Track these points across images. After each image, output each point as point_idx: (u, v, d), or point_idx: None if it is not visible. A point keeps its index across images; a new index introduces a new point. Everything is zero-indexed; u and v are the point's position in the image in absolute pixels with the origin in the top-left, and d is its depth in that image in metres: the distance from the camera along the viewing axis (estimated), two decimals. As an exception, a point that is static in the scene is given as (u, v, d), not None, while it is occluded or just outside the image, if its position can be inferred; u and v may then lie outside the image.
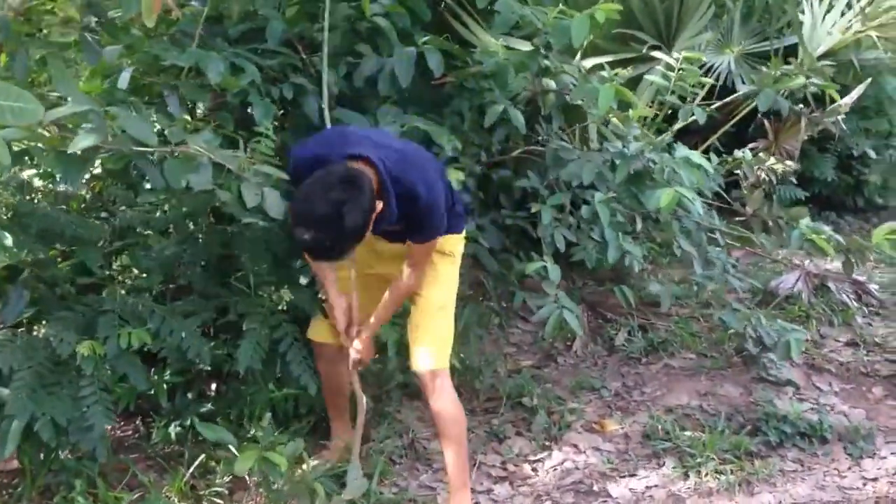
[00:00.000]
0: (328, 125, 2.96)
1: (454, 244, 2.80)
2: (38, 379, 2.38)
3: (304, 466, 2.93)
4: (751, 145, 5.07)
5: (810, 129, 5.02)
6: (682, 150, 3.36)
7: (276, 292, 3.09)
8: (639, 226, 3.45)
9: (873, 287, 4.63)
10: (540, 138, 3.77)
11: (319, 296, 2.94)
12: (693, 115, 3.59)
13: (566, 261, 4.79)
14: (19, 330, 2.63)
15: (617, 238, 3.29)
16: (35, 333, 2.45)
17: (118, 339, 2.46)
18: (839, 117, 4.80)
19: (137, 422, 3.34)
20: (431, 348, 2.70)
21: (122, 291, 2.63)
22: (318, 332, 2.92)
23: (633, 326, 4.38)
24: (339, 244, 2.29)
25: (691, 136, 4.65)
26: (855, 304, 4.51)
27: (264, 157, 2.47)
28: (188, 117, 2.90)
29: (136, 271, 2.80)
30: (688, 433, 3.31)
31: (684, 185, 3.28)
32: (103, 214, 3.14)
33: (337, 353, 2.88)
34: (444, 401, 2.73)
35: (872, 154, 6.43)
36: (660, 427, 3.34)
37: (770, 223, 3.30)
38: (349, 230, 2.25)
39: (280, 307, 3.04)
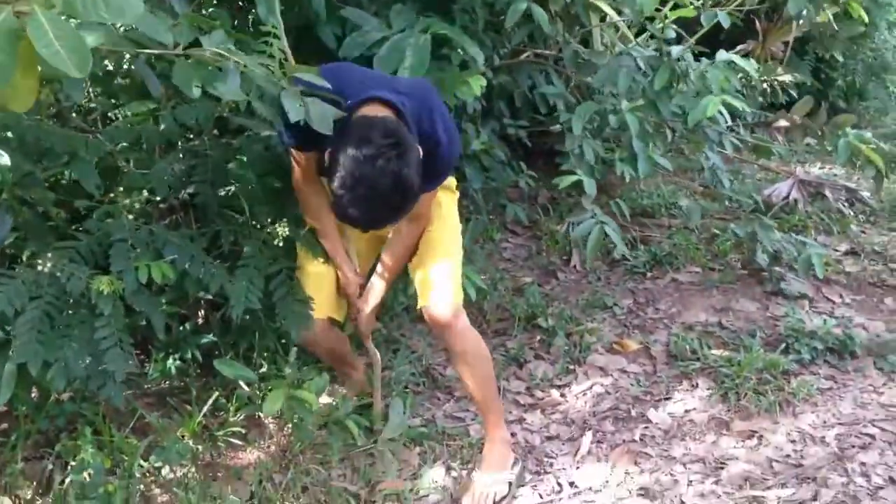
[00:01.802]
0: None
1: (452, 178, 2.59)
2: (47, 320, 2.05)
3: (333, 402, 2.70)
4: (739, 47, 4.88)
5: (800, 30, 4.85)
6: (722, 54, 3.12)
7: (271, 224, 2.77)
8: (668, 137, 3.24)
9: (865, 194, 4.57)
10: (552, 41, 3.50)
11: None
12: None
13: (550, 167, 4.61)
14: (16, 265, 2.27)
15: (647, 149, 3.07)
16: (40, 268, 2.10)
17: (136, 272, 2.13)
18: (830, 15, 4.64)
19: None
20: (446, 287, 2.45)
21: (129, 216, 2.28)
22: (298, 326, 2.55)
23: (629, 239, 4.23)
24: (403, 210, 2.06)
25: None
26: (849, 211, 4.44)
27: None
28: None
29: (136, 194, 2.43)
30: (714, 352, 3.19)
31: (713, 92, 3.06)
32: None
33: (326, 326, 2.58)
34: (469, 340, 2.50)
35: (840, 58, 6.34)
36: (687, 347, 3.21)
37: (819, 131, 3.11)
38: (412, 193, 2.02)
39: (276, 241, 2.72)
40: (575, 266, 4.09)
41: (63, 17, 1.15)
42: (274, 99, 2.21)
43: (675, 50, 3.04)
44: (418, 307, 2.52)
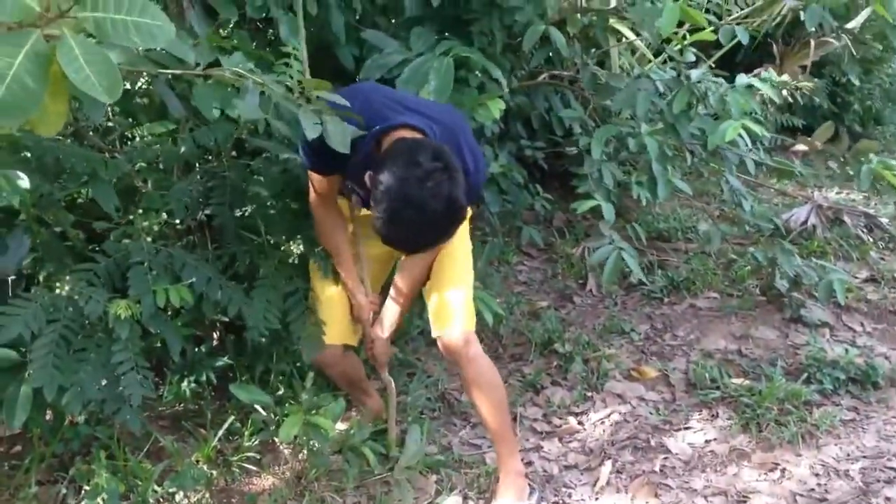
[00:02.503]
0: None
1: None
2: (63, 344, 2.03)
3: (349, 428, 2.67)
4: (756, 70, 4.85)
5: (817, 54, 4.83)
6: (742, 78, 3.10)
7: (286, 243, 2.74)
8: (689, 160, 3.21)
9: (884, 220, 4.52)
10: (570, 63, 3.48)
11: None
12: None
13: (565, 190, 4.58)
14: (33, 286, 2.25)
15: (666, 173, 3.04)
16: (58, 291, 2.08)
17: (154, 296, 2.11)
18: (848, 41, 4.62)
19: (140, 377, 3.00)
20: (459, 314, 2.42)
21: (148, 238, 2.26)
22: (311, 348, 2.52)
23: (646, 263, 4.19)
24: (450, 233, 2.02)
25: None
26: (868, 238, 4.40)
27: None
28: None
29: (154, 215, 2.41)
30: (735, 381, 3.15)
31: (734, 115, 3.03)
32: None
33: (340, 352, 2.57)
34: (480, 367, 2.45)
35: (857, 81, 6.30)
36: (706, 375, 3.17)
37: (841, 157, 3.08)
38: (460, 216, 1.99)
39: (291, 259, 2.71)
40: (591, 290, 4.05)
41: (93, 41, 1.13)
42: (293, 119, 2.22)
43: (695, 73, 3.01)
44: (432, 335, 2.49)
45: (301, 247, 2.65)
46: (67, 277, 2.10)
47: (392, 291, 2.52)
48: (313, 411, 2.45)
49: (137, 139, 2.75)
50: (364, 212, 2.41)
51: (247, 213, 2.67)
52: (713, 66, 3.43)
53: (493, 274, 3.98)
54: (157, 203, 2.48)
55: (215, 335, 2.98)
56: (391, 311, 2.53)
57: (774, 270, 3.67)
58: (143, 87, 2.94)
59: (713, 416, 2.99)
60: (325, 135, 1.83)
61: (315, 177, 2.32)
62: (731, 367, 3.28)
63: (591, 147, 2.95)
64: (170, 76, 2.30)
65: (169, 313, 2.42)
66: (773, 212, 4.62)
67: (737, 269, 4.14)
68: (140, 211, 2.33)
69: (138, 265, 2.17)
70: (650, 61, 3.80)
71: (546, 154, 4.11)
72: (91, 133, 2.87)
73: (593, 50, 3.73)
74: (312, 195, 2.38)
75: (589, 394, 3.15)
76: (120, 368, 2.07)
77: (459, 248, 2.53)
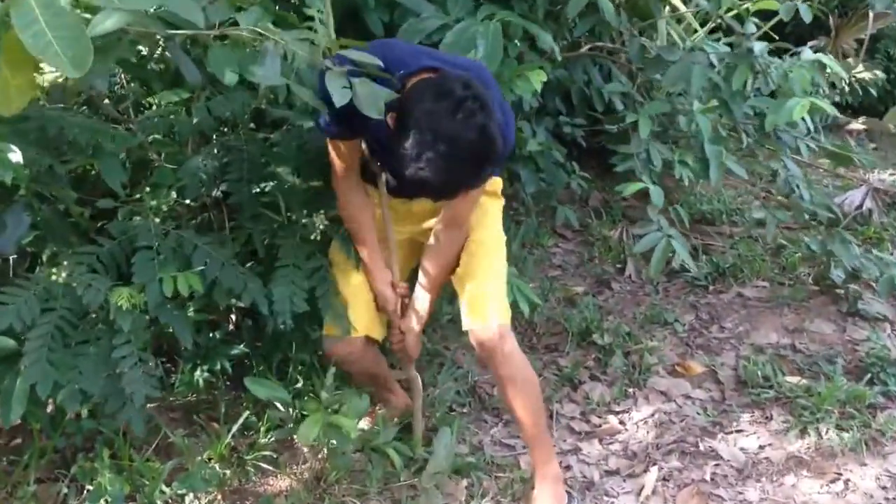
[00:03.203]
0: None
1: (498, 179, 2.35)
2: (59, 336, 1.83)
3: (373, 426, 2.47)
4: (810, 43, 4.55)
5: (875, 27, 4.52)
6: (808, 52, 2.83)
7: (308, 217, 2.51)
8: (744, 141, 2.95)
9: (943, 205, 4.24)
10: (616, 34, 3.22)
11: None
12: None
13: (602, 168, 4.33)
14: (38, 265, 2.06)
15: (720, 154, 2.79)
16: (54, 278, 1.88)
17: (160, 284, 1.91)
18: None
19: (152, 364, 2.81)
20: (492, 307, 2.21)
21: (156, 219, 2.05)
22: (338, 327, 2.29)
23: (689, 248, 3.93)
24: (484, 172, 1.83)
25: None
26: (930, 225, 4.12)
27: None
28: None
29: (165, 193, 2.20)
30: (789, 379, 2.91)
31: (796, 93, 2.77)
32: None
33: (361, 346, 2.33)
34: (515, 363, 2.25)
35: (910, 56, 5.96)
36: (758, 372, 2.93)
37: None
38: (496, 151, 1.79)
39: (313, 235, 2.48)
40: (630, 276, 3.81)
41: (64, 1, 0.91)
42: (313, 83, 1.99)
43: (758, 46, 2.75)
44: (463, 329, 2.28)
45: (323, 222, 2.42)
46: (65, 262, 1.89)
47: (421, 278, 2.31)
48: (334, 410, 2.26)
49: (154, 108, 2.53)
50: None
51: (266, 190, 2.45)
52: (774, 37, 3.13)
53: (527, 257, 3.75)
54: (170, 178, 2.27)
55: (231, 320, 2.78)
56: (422, 301, 2.32)
57: (829, 261, 3.41)
58: (160, 52, 2.73)
59: (767, 418, 2.76)
60: (354, 100, 1.61)
61: (336, 146, 2.11)
62: (784, 363, 3.04)
63: (639, 125, 2.69)
64: (186, 39, 2.09)
65: (179, 300, 2.23)
66: (826, 195, 4.34)
67: (787, 255, 3.88)
68: (148, 189, 2.11)
69: (145, 249, 1.97)
70: (695, 31, 3.52)
71: (585, 131, 3.85)
72: (106, 101, 2.67)
73: (637, 20, 3.47)
74: (336, 166, 2.16)
75: (630, 390, 2.92)
76: (122, 364, 1.88)
77: (491, 232, 2.32)
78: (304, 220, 2.42)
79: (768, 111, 2.77)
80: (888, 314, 3.37)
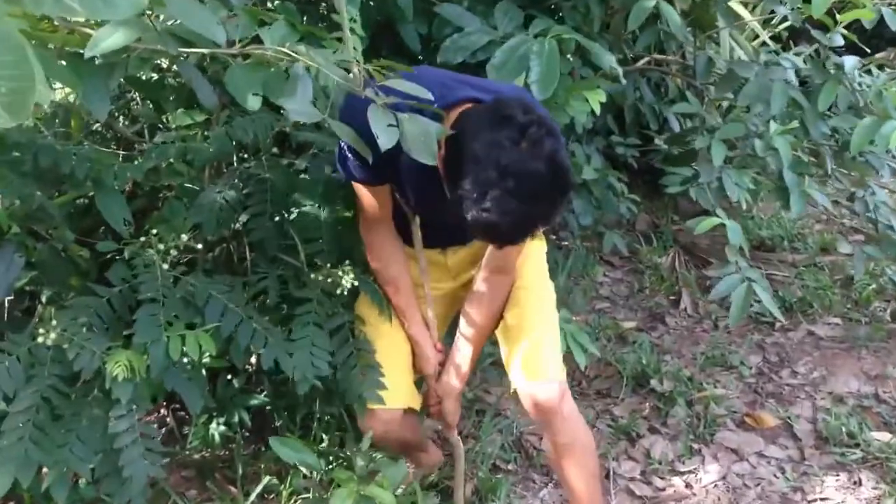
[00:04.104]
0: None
1: None
2: (47, 409, 1.55)
3: (408, 491, 2.17)
4: (879, 55, 4.20)
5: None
6: (902, 70, 2.51)
7: (333, 269, 2.16)
8: (829, 167, 2.62)
9: None
10: (677, 47, 2.91)
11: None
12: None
13: (649, 188, 4.01)
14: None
15: (802, 182, 2.47)
16: (40, 339, 1.59)
17: (167, 346, 1.62)
18: None
19: (163, 412, 2.54)
20: (549, 363, 1.92)
21: (164, 265, 1.77)
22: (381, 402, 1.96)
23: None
24: (560, 208, 1.52)
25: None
26: None
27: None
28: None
29: (173, 233, 1.91)
30: (876, 436, 2.58)
31: (890, 114, 2.44)
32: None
33: (399, 417, 1.99)
34: (576, 429, 1.96)
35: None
36: (842, 427, 2.60)
37: None
38: (570, 183, 1.51)
39: (339, 290, 2.12)
40: (686, 309, 3.50)
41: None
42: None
43: (848, 62, 2.43)
44: (512, 388, 1.98)
45: (351, 276, 2.08)
46: (54, 322, 1.61)
47: (463, 330, 2.01)
48: (367, 477, 1.96)
49: (167, 130, 2.25)
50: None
51: (289, 222, 2.16)
52: (866, 50, 2.79)
53: (573, 289, 3.44)
54: (181, 213, 1.99)
55: (251, 365, 2.50)
56: (463, 357, 2.01)
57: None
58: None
59: (854, 483, 2.43)
60: (403, 141, 1.31)
61: (363, 191, 1.82)
62: (869, 416, 2.71)
63: (711, 150, 2.38)
64: (205, 58, 1.81)
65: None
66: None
67: (859, 288, 3.54)
68: (154, 231, 1.83)
69: (149, 303, 1.68)
70: (762, 44, 3.20)
71: (637, 151, 3.54)
72: (122, 124, 2.40)
73: (698, 31, 3.16)
74: (365, 214, 1.88)
75: (696, 446, 2.61)
76: (119, 441, 1.59)
77: (538, 277, 2.04)
78: (327, 270, 2.08)
79: (855, 133, 2.44)
80: (980, 358, 3.02)
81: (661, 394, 2.81)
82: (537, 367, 1.92)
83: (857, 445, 2.54)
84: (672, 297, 3.57)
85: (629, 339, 3.20)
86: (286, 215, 2.12)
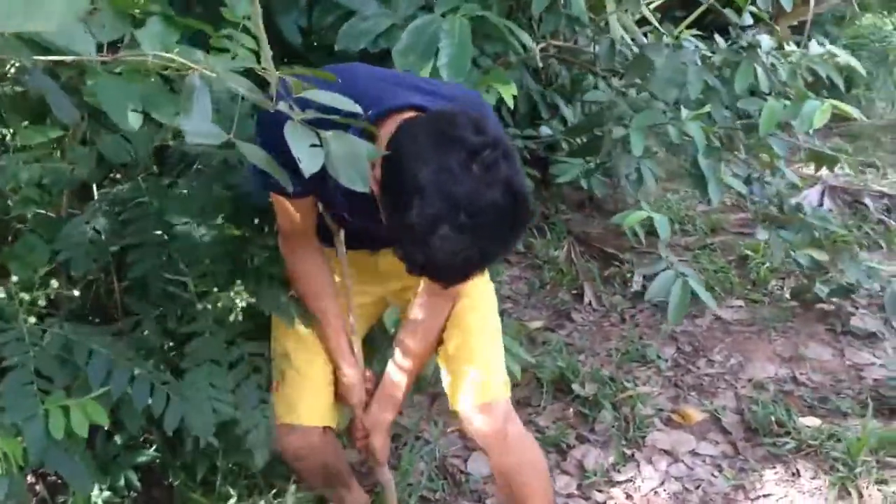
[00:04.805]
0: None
1: None
2: None
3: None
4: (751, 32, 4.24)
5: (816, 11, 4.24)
6: (815, 46, 2.44)
7: (224, 292, 1.85)
8: (742, 151, 2.53)
9: (901, 200, 3.99)
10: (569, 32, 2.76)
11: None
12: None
13: (545, 182, 3.87)
14: None
15: (718, 169, 2.37)
16: None
17: (45, 422, 1.30)
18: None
19: (31, 479, 2.16)
20: (494, 382, 1.74)
21: (31, 319, 1.43)
22: (294, 412, 1.74)
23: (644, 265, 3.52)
24: (515, 242, 1.32)
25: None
26: (893, 223, 3.84)
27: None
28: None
29: (39, 280, 1.56)
30: (806, 422, 2.52)
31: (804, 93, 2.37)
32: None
33: (318, 438, 1.77)
34: (525, 450, 1.79)
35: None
36: (770, 416, 2.53)
37: None
38: (528, 213, 1.26)
39: (232, 317, 1.82)
40: (590, 303, 3.37)
41: None
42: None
43: (765, 42, 2.34)
44: (452, 408, 1.77)
45: (245, 298, 1.77)
46: None
47: (397, 359, 1.77)
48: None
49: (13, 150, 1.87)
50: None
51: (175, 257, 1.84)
52: (738, 28, 2.72)
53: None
54: (39, 249, 1.65)
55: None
56: (396, 387, 1.78)
57: (812, 274, 3.07)
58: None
59: (793, 474, 2.35)
60: (329, 165, 1.05)
61: (282, 203, 1.56)
62: (792, 401, 2.65)
63: (631, 141, 2.23)
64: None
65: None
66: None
67: (753, 267, 3.52)
68: (15, 279, 1.48)
69: (17, 370, 1.35)
70: (656, 29, 3.09)
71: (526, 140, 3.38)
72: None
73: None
74: (283, 232, 1.64)
75: (629, 451, 2.47)
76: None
77: (481, 288, 1.83)
78: (215, 295, 1.78)
79: (763, 115, 2.35)
80: (884, 331, 3.03)
81: (584, 398, 2.66)
82: (482, 390, 1.72)
83: (788, 434, 2.47)
84: (574, 292, 3.45)
85: (538, 339, 3.04)
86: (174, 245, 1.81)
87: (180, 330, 1.69)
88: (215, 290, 1.73)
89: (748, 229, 3.92)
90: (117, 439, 2.06)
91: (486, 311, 1.82)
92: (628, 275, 3.47)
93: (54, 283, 1.48)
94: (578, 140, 2.89)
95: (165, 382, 1.50)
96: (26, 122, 1.84)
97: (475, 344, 1.74)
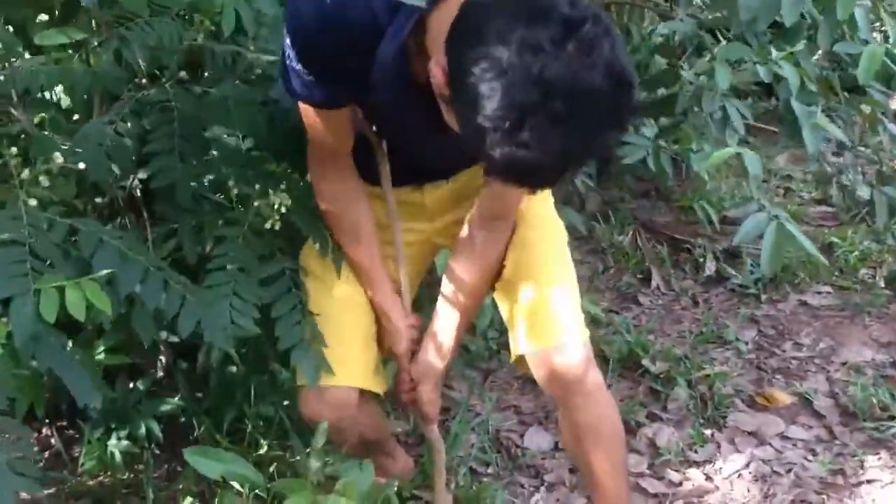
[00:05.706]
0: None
1: None
2: None
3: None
4: None
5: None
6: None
7: (261, 199, 1.63)
8: (842, 99, 2.27)
9: None
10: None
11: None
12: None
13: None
14: None
15: (813, 115, 2.10)
16: None
17: (36, 302, 1.09)
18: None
19: (46, 431, 1.98)
20: (571, 318, 1.49)
21: (32, 201, 1.23)
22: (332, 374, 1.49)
23: (717, 251, 3.24)
24: (620, 133, 1.05)
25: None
26: None
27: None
28: None
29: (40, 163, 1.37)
30: (911, 406, 2.22)
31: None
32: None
33: (354, 402, 1.52)
34: (604, 405, 1.54)
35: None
36: (873, 399, 2.23)
37: None
38: (634, 99, 0.99)
39: (269, 225, 1.61)
40: (658, 287, 3.11)
41: None
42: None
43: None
44: (516, 353, 1.53)
45: (285, 203, 1.55)
46: None
47: (446, 293, 1.54)
48: (323, 485, 1.47)
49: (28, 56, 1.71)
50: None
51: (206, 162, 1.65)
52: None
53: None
54: (52, 150, 1.45)
55: (160, 361, 1.96)
56: (447, 329, 1.55)
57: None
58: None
59: (897, 460, 2.05)
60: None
61: (314, 115, 1.33)
62: (893, 385, 2.35)
63: (716, 75, 1.98)
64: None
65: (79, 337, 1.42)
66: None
67: (840, 255, 3.21)
68: (14, 151, 1.29)
69: (9, 246, 1.15)
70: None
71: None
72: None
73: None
74: (313, 150, 1.42)
75: (707, 431, 2.19)
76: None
77: (546, 213, 1.60)
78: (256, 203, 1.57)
79: (862, 61, 2.09)
80: None
81: (655, 375, 2.40)
82: (551, 325, 1.47)
83: (892, 418, 2.18)
84: (640, 276, 3.18)
85: (603, 321, 2.78)
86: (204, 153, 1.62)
87: (213, 233, 1.49)
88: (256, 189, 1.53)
89: (831, 222, 3.62)
90: (139, 386, 1.88)
91: (553, 238, 1.58)
92: (700, 259, 3.19)
93: (58, 157, 1.28)
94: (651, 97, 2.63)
95: (182, 284, 1.29)
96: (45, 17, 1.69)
97: (539, 272, 1.50)
